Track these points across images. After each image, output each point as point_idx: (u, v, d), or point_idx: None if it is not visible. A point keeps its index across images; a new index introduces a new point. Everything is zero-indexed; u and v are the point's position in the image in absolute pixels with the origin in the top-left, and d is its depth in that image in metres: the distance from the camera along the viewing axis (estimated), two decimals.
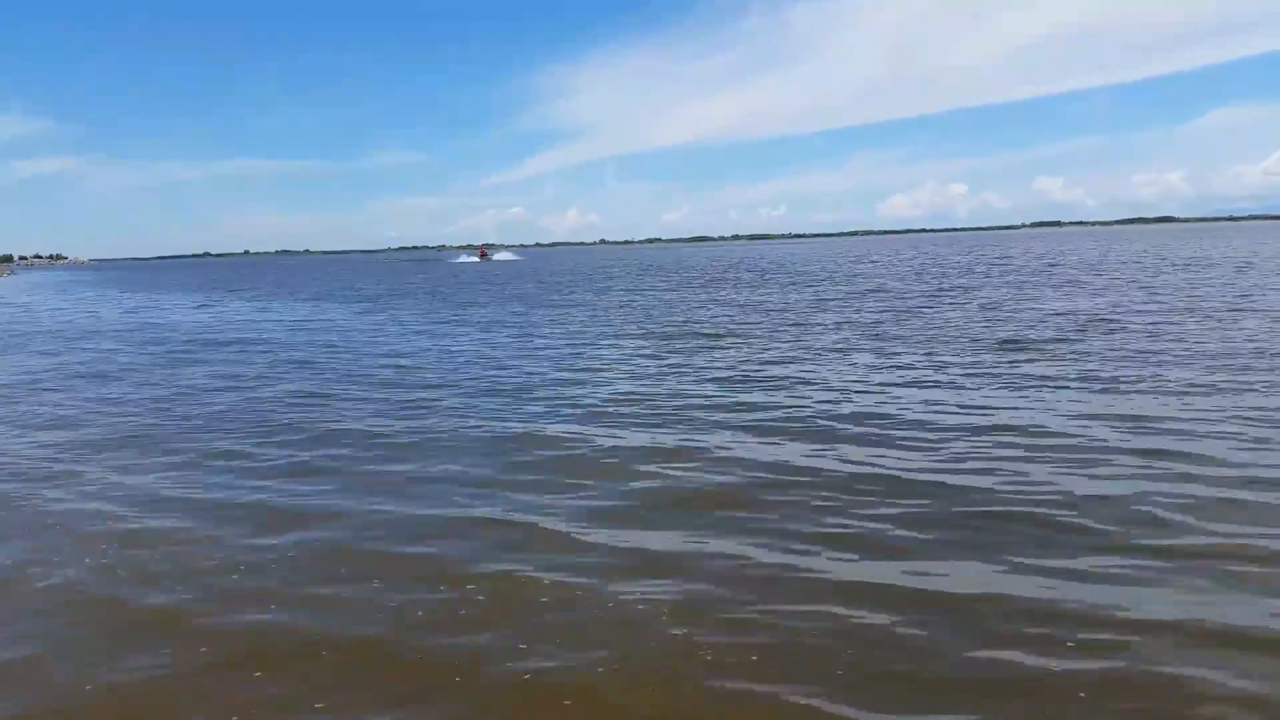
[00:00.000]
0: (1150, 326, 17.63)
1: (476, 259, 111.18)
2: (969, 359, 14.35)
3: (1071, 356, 14.10)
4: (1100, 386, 11.52)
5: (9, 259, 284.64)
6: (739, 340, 18.30)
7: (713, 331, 20.11)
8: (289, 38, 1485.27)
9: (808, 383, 12.67)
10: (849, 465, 8.19)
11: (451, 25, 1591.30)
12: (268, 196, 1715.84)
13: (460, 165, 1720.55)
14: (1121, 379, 11.96)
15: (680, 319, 23.64)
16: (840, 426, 9.74)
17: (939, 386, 12.03)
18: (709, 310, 26.38)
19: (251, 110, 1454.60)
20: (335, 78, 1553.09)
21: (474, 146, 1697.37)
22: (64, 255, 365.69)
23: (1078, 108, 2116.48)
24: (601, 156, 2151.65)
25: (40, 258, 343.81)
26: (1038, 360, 13.89)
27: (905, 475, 7.79)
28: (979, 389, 11.73)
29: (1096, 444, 8.60)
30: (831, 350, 16.09)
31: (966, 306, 23.73)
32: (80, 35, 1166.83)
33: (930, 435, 9.21)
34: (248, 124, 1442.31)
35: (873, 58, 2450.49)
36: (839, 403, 11.09)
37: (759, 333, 19.60)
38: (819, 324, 20.92)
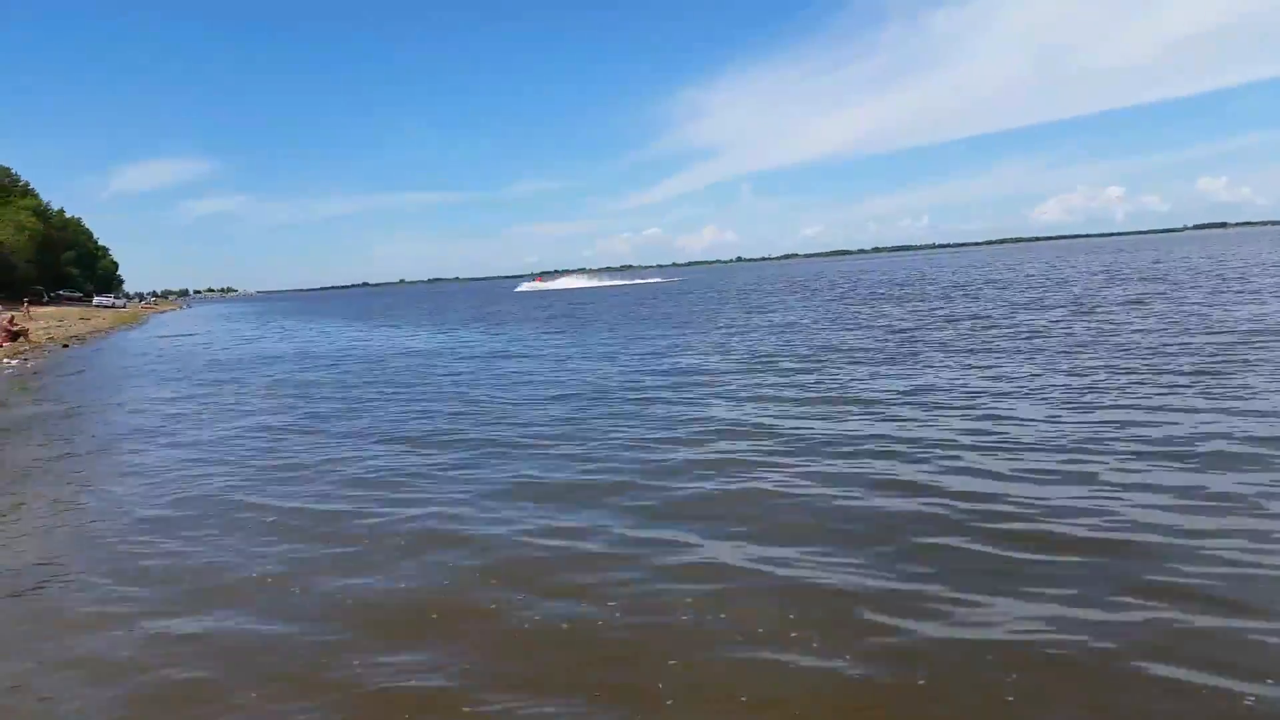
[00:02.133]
0: None
1: (536, 285, 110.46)
2: None
3: None
4: None
5: (185, 293, 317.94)
6: None
7: None
8: (434, 77, 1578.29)
9: None
10: None
11: (587, 54, 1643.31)
12: (418, 227, 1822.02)
13: (597, 190, 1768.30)
14: None
15: None
16: None
17: None
18: None
19: (403, 146, 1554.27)
20: (480, 113, 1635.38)
21: (610, 172, 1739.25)
22: (234, 288, 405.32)
23: (1242, 102, 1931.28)
24: (736, 174, 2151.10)
25: (212, 291, 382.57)
26: None
27: None
28: None
29: None
30: None
31: None
32: (246, 82, 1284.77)
33: None
34: (399, 159, 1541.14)
35: (1019, 59, 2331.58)
36: None
37: None
38: None
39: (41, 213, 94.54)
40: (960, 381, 13.14)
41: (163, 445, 12.17)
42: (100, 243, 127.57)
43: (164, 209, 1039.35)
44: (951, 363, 15.22)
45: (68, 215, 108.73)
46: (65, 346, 37.26)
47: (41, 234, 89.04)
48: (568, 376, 17.08)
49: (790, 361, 17.08)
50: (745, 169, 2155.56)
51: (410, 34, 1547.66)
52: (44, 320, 50.81)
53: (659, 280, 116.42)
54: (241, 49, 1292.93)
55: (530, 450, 10.13)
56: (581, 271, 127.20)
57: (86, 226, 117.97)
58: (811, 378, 14.66)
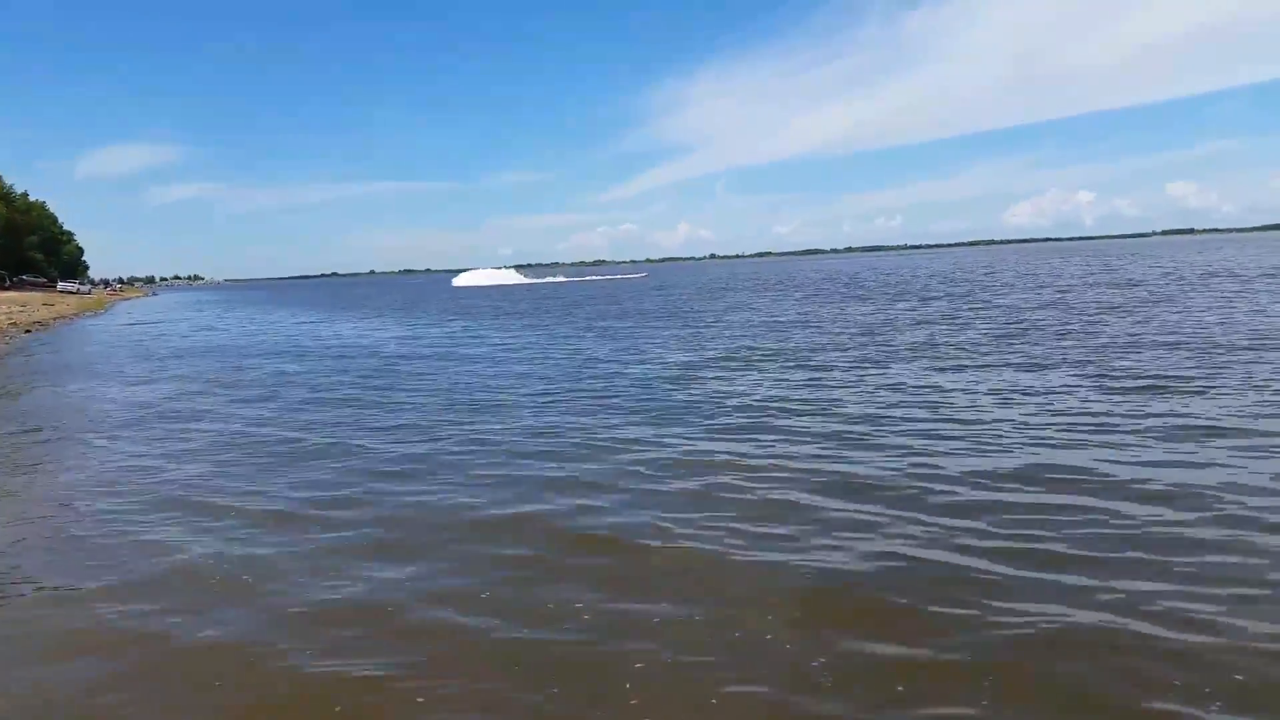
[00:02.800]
0: None
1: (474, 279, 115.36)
2: None
3: None
4: None
5: (152, 280, 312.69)
6: None
7: None
8: (414, 65, 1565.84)
9: None
10: None
11: (566, 45, 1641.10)
12: (393, 217, 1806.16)
13: (574, 183, 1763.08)
14: None
15: None
16: None
17: None
18: None
19: (379, 135, 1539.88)
20: (458, 102, 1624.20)
21: (588, 164, 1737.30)
22: (202, 276, 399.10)
23: (1213, 110, 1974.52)
24: (712, 171, 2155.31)
25: (180, 278, 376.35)
26: None
27: None
28: None
29: None
30: None
31: None
32: (220, 66, 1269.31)
33: None
34: (375, 148, 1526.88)
35: (995, 62, 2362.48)
36: None
37: None
38: None
39: (4, 196, 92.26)
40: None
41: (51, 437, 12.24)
42: (66, 227, 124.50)
43: (132, 194, 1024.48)
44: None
45: (32, 199, 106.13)
46: (28, 332, 36.41)
47: (4, 218, 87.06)
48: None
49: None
50: (721, 166, 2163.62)
51: (388, 22, 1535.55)
52: (6, 305, 49.62)
53: (586, 279, 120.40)
54: (217, 33, 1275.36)
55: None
56: (504, 269, 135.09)
57: (51, 211, 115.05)
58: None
